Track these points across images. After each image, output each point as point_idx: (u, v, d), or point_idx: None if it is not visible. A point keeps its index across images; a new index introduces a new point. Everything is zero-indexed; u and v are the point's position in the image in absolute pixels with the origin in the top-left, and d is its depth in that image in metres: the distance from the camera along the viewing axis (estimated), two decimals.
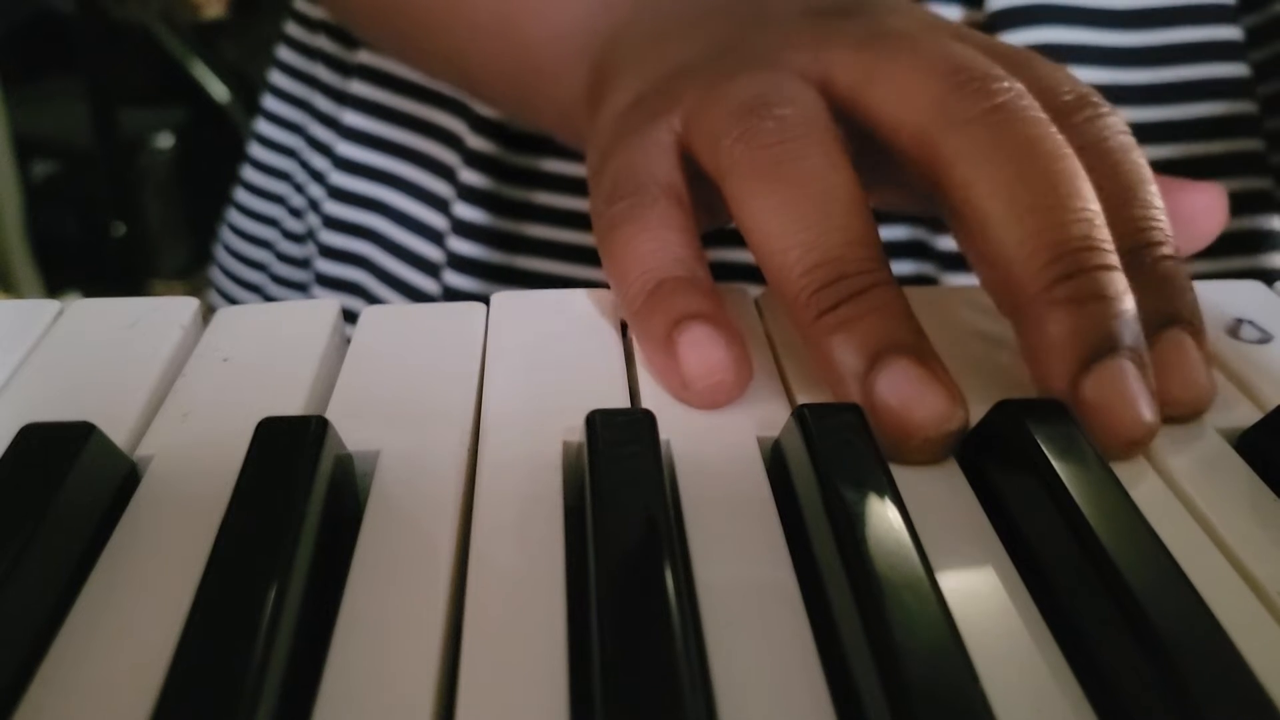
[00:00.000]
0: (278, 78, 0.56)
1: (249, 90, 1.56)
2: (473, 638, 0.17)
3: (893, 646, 0.16)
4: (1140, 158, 0.26)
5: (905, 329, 0.23)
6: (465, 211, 0.46)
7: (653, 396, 0.24)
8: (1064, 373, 0.22)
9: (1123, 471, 0.24)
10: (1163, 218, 0.25)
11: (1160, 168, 0.27)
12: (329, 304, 0.28)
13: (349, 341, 0.27)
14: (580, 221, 0.45)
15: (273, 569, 0.17)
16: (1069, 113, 0.26)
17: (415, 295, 0.48)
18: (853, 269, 0.24)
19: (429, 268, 0.47)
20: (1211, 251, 0.42)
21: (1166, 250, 0.25)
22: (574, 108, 0.35)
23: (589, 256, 0.45)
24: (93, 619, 0.18)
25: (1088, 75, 0.40)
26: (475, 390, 0.25)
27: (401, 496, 0.21)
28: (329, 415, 0.23)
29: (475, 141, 0.45)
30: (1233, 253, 0.42)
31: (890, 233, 0.42)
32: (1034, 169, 0.23)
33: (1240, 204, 0.42)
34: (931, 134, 0.25)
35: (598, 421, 0.21)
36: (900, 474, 0.21)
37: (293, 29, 0.55)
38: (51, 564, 0.19)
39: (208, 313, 0.28)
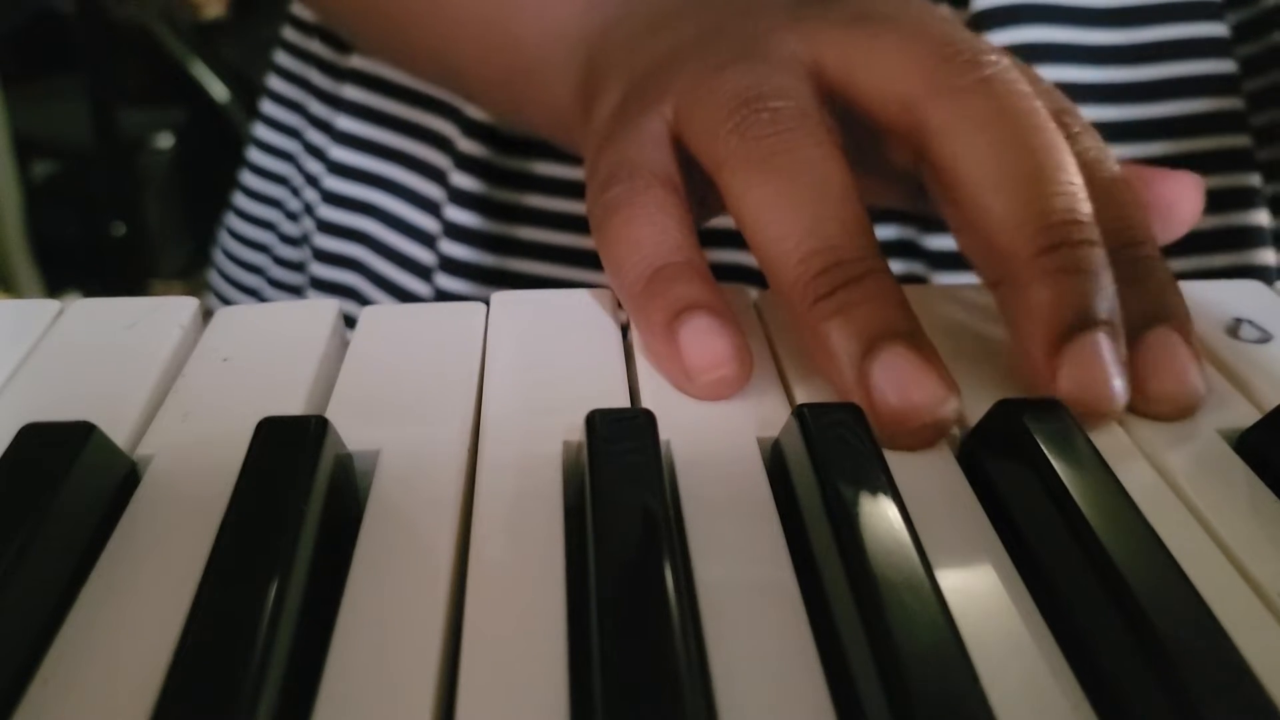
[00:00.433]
0: (275, 82, 0.56)
1: (249, 90, 1.56)
2: (473, 638, 0.17)
3: (893, 646, 0.16)
4: (1116, 168, 0.26)
5: (900, 316, 0.23)
6: (456, 215, 0.46)
7: (653, 396, 0.24)
8: (1044, 341, 0.23)
9: (1122, 471, 0.24)
10: (1143, 220, 0.26)
11: (1147, 165, 0.27)
12: (328, 304, 0.28)
13: (348, 343, 0.27)
14: (572, 224, 0.45)
15: (273, 569, 0.17)
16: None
17: (408, 299, 0.48)
18: (848, 256, 0.24)
19: (421, 271, 0.48)
20: (1198, 248, 0.42)
21: (1149, 250, 0.25)
22: (565, 108, 0.35)
23: (581, 259, 0.45)
24: (93, 619, 0.18)
25: (1073, 74, 0.40)
26: (475, 390, 0.25)
27: (401, 496, 0.21)
28: (329, 415, 0.23)
29: (466, 145, 0.45)
30: (1220, 249, 0.42)
31: (881, 232, 0.42)
32: (1022, 139, 0.24)
33: (1227, 200, 0.42)
34: (920, 103, 0.25)
35: (598, 421, 0.21)
36: (900, 473, 0.21)
37: (289, 33, 0.55)
38: (51, 564, 0.19)
39: (207, 313, 0.28)
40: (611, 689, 0.15)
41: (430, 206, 0.48)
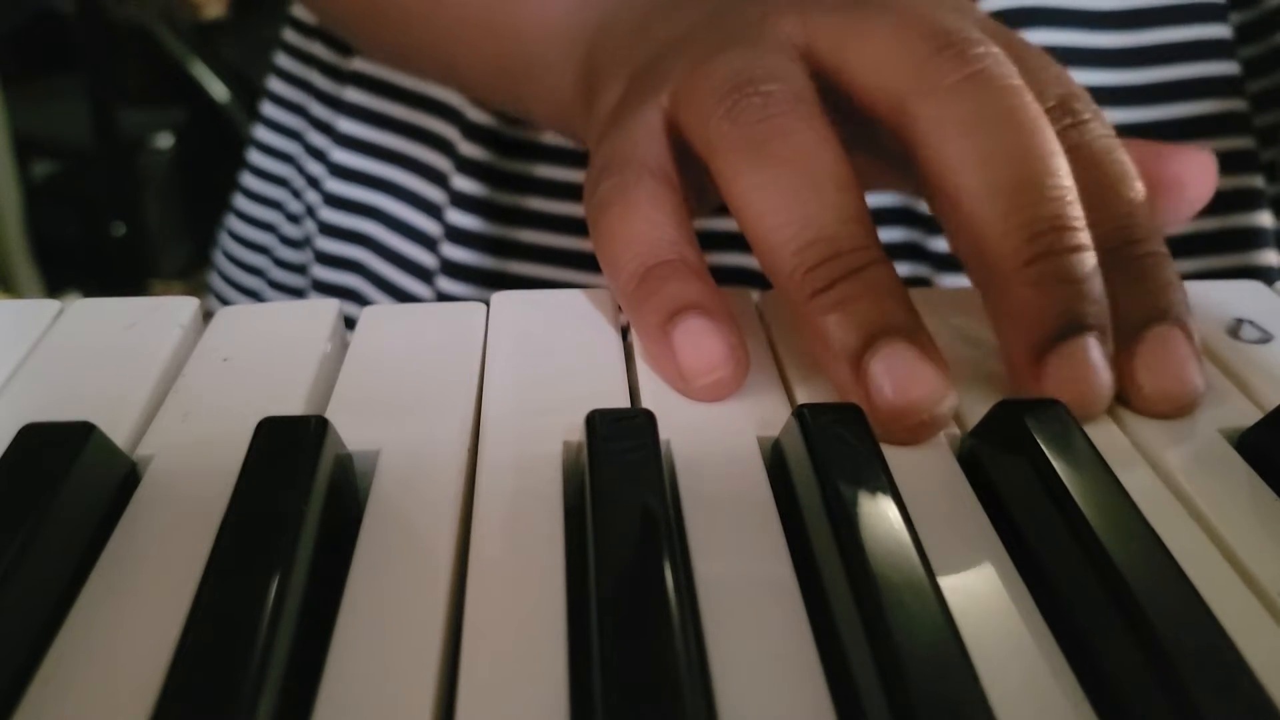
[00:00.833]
0: (276, 84, 0.56)
1: (249, 90, 1.56)
2: (473, 637, 0.17)
3: (892, 646, 0.16)
4: (1123, 157, 0.26)
5: (898, 309, 0.23)
6: (457, 218, 0.46)
7: (653, 396, 0.24)
8: (1027, 348, 0.23)
9: (1122, 471, 0.24)
10: (1146, 215, 0.25)
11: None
12: (329, 304, 0.28)
13: (348, 344, 0.27)
14: (573, 227, 0.45)
15: (273, 569, 0.17)
16: (1052, 118, 0.26)
17: (409, 301, 0.48)
18: (846, 246, 0.23)
19: (423, 273, 0.48)
20: (1202, 249, 0.42)
21: (1151, 247, 0.25)
22: (566, 101, 0.34)
23: (581, 261, 0.45)
24: (93, 619, 0.18)
25: (1078, 77, 0.40)
26: (475, 390, 0.25)
27: (401, 496, 0.21)
28: (329, 415, 0.23)
29: (468, 148, 0.45)
30: (1223, 250, 0.42)
31: (885, 235, 0.42)
32: (1009, 143, 0.24)
33: (1231, 202, 0.42)
34: (907, 102, 0.25)
35: (598, 421, 0.21)
36: (900, 473, 0.21)
37: (290, 36, 0.55)
38: (51, 564, 0.19)
39: (207, 313, 0.28)
40: (611, 689, 0.15)
41: (432, 209, 0.48)
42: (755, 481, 0.21)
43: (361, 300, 0.49)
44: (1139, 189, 0.25)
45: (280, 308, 0.28)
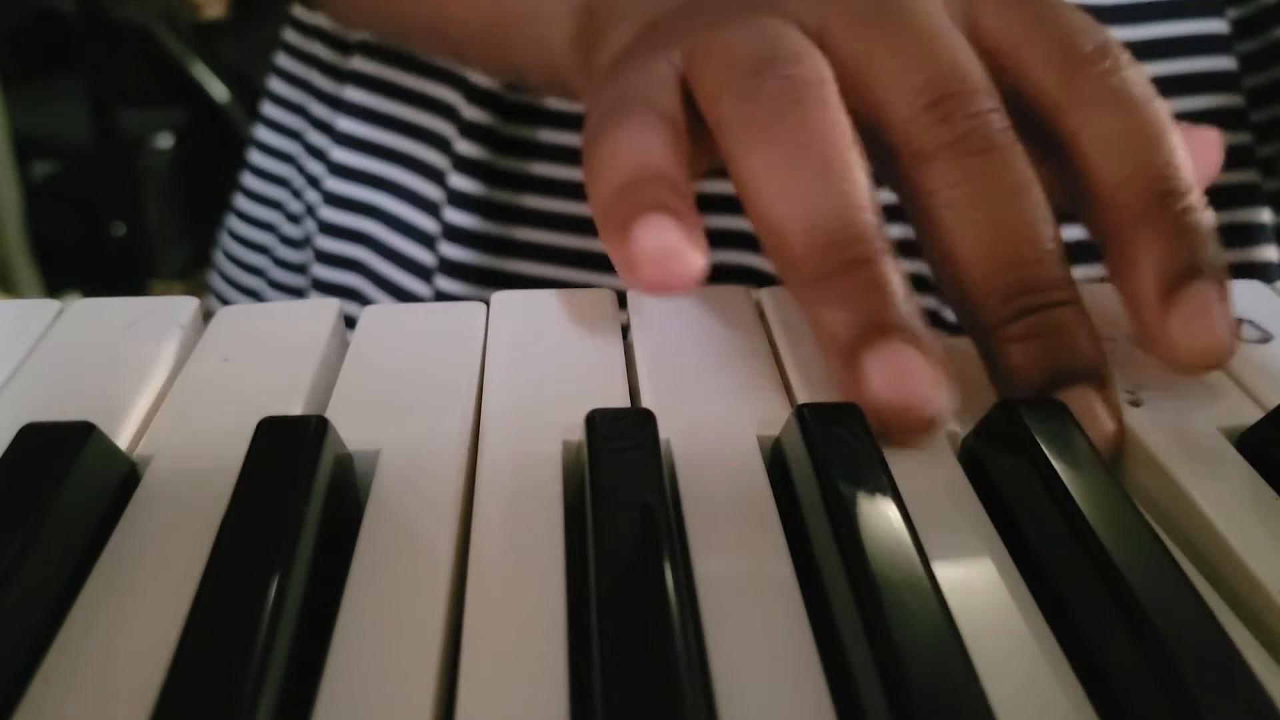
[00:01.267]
0: (276, 84, 0.56)
1: (249, 90, 1.56)
2: (473, 637, 0.17)
3: (893, 646, 0.16)
4: (1161, 107, 0.26)
5: (897, 306, 0.23)
6: (455, 216, 0.46)
7: (653, 396, 0.24)
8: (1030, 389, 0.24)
9: (1122, 471, 0.24)
10: (1185, 167, 0.25)
11: None
12: (329, 304, 0.28)
13: (348, 343, 0.27)
14: (571, 225, 0.45)
15: (273, 569, 0.17)
16: (1090, 62, 0.26)
17: (409, 300, 0.48)
18: (850, 235, 0.23)
19: (423, 272, 0.48)
20: None
21: (1190, 201, 0.25)
22: (560, 51, 0.34)
23: (579, 260, 0.45)
24: (93, 619, 0.18)
25: None
26: (475, 390, 0.25)
27: (401, 496, 0.21)
28: (329, 415, 0.23)
29: (464, 146, 0.45)
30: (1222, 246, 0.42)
31: (892, 231, 0.42)
32: (996, 213, 0.24)
33: (1228, 197, 0.42)
34: (903, 161, 0.26)
35: (598, 421, 0.21)
36: (900, 473, 0.21)
37: (290, 35, 0.55)
38: (51, 564, 0.19)
39: (207, 313, 0.28)
40: (611, 689, 0.15)
41: (431, 208, 0.48)
42: (755, 481, 0.21)
43: (362, 299, 0.49)
44: (1178, 141, 0.26)
45: (280, 308, 0.28)
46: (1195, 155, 0.27)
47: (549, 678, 0.17)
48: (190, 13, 1.63)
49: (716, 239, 0.43)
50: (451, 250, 0.46)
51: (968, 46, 0.27)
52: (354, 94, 0.49)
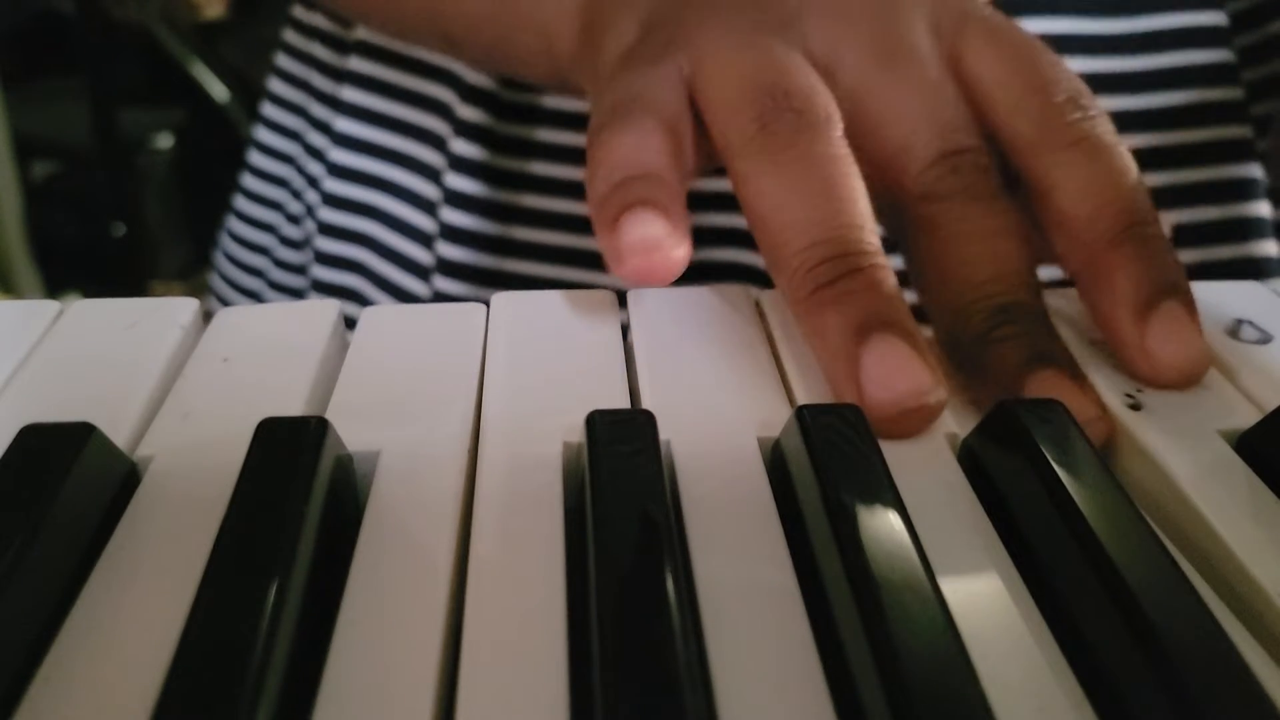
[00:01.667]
0: (276, 85, 0.56)
1: (249, 90, 1.56)
2: (473, 638, 0.17)
3: (893, 647, 0.16)
4: (1125, 152, 0.28)
5: (894, 307, 0.24)
6: (452, 216, 0.46)
7: (653, 396, 0.24)
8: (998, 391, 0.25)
9: (1121, 471, 0.24)
10: (1148, 200, 0.27)
11: (1147, 156, 0.29)
12: (329, 304, 0.28)
13: (348, 344, 0.27)
14: (568, 224, 0.45)
15: (273, 569, 0.17)
16: (1062, 112, 0.28)
17: (409, 300, 0.48)
18: (851, 249, 0.25)
19: (422, 272, 0.47)
20: (1200, 240, 0.42)
21: (1156, 229, 0.27)
22: (564, 42, 0.34)
23: (578, 259, 0.45)
24: (93, 619, 0.18)
25: (1073, 64, 0.40)
26: (475, 390, 0.25)
27: (401, 496, 0.21)
28: (329, 416, 0.23)
29: (460, 145, 0.45)
30: (1221, 241, 0.42)
31: (895, 262, 0.42)
32: (989, 249, 0.27)
33: (1228, 192, 0.42)
34: (905, 200, 0.28)
35: (598, 421, 0.21)
36: (900, 474, 0.21)
37: (290, 36, 0.55)
38: (51, 564, 0.19)
39: (207, 314, 0.28)
40: (611, 689, 0.15)
41: (430, 207, 0.47)
42: (755, 481, 0.21)
43: (361, 300, 0.49)
44: (1141, 179, 0.28)
45: (280, 308, 0.28)
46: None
47: (549, 678, 0.17)
48: (190, 13, 1.63)
49: (717, 237, 0.43)
50: (449, 250, 0.46)
51: (960, 93, 0.29)
52: (351, 94, 0.49)
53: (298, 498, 0.19)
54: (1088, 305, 0.27)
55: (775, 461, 0.22)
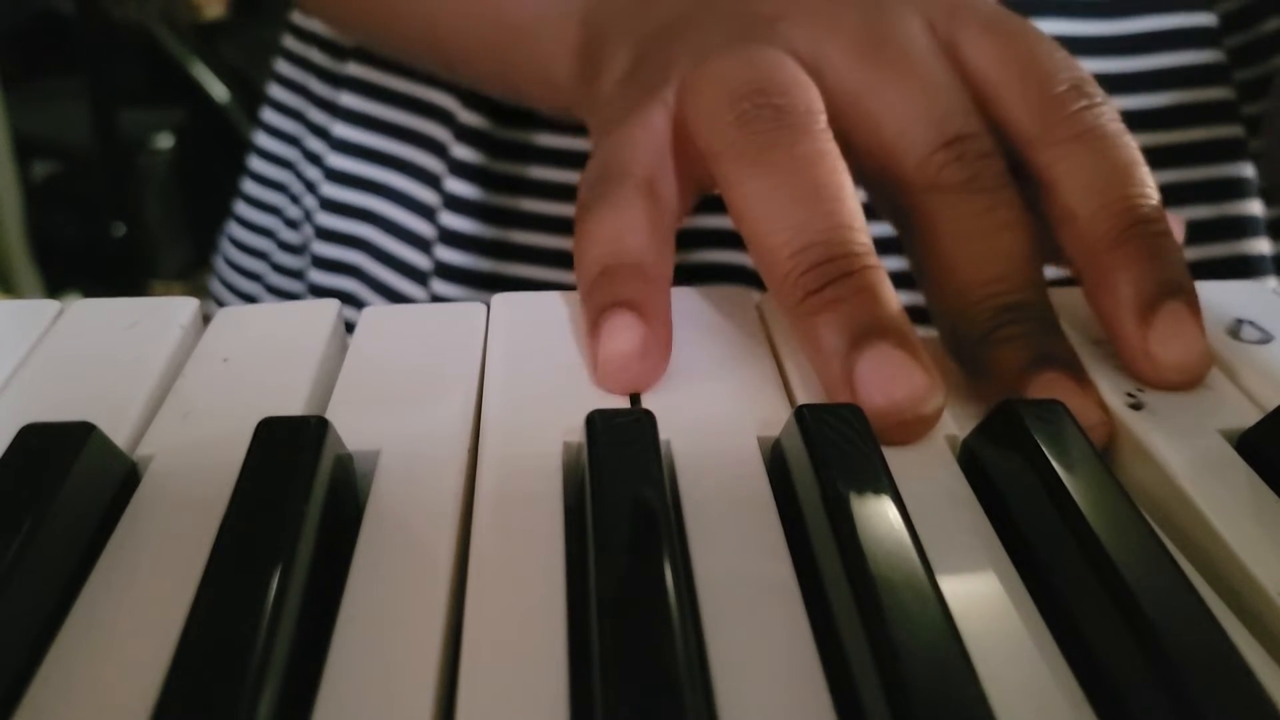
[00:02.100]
0: (275, 90, 0.56)
1: (249, 90, 1.56)
2: (473, 637, 0.17)
3: (893, 646, 0.16)
4: (1131, 142, 0.28)
5: (889, 312, 0.24)
6: (451, 220, 0.46)
7: (653, 396, 0.24)
8: (1002, 387, 0.25)
9: (1122, 471, 0.24)
10: (1155, 196, 0.27)
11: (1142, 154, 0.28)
12: (329, 304, 0.28)
13: (347, 345, 0.27)
14: (566, 228, 0.45)
15: (273, 569, 0.17)
16: (1064, 103, 0.27)
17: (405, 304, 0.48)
18: (840, 252, 0.24)
19: (418, 276, 0.47)
20: (1194, 238, 0.42)
21: (1160, 227, 0.26)
22: (560, 71, 0.34)
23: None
24: (93, 619, 0.18)
25: None
26: (475, 390, 0.25)
27: (401, 496, 0.21)
28: (329, 415, 0.23)
29: (460, 150, 0.45)
30: (1214, 239, 0.42)
31: (877, 229, 0.42)
32: (995, 244, 0.26)
33: (1220, 191, 0.42)
34: (907, 195, 0.27)
35: (598, 421, 0.21)
36: (900, 474, 0.21)
37: (289, 42, 0.55)
38: (51, 564, 0.19)
39: (207, 314, 0.28)
40: (611, 689, 0.15)
41: (427, 212, 0.48)
42: (755, 481, 0.21)
43: (358, 304, 0.49)
44: (1147, 173, 0.27)
45: (280, 308, 0.28)
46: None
47: (549, 677, 0.17)
48: (190, 13, 1.63)
49: (716, 239, 0.43)
50: (448, 254, 0.46)
51: (958, 81, 0.28)
52: (349, 100, 0.49)
53: (298, 497, 0.19)
54: (1092, 304, 0.27)
55: (775, 461, 0.22)
